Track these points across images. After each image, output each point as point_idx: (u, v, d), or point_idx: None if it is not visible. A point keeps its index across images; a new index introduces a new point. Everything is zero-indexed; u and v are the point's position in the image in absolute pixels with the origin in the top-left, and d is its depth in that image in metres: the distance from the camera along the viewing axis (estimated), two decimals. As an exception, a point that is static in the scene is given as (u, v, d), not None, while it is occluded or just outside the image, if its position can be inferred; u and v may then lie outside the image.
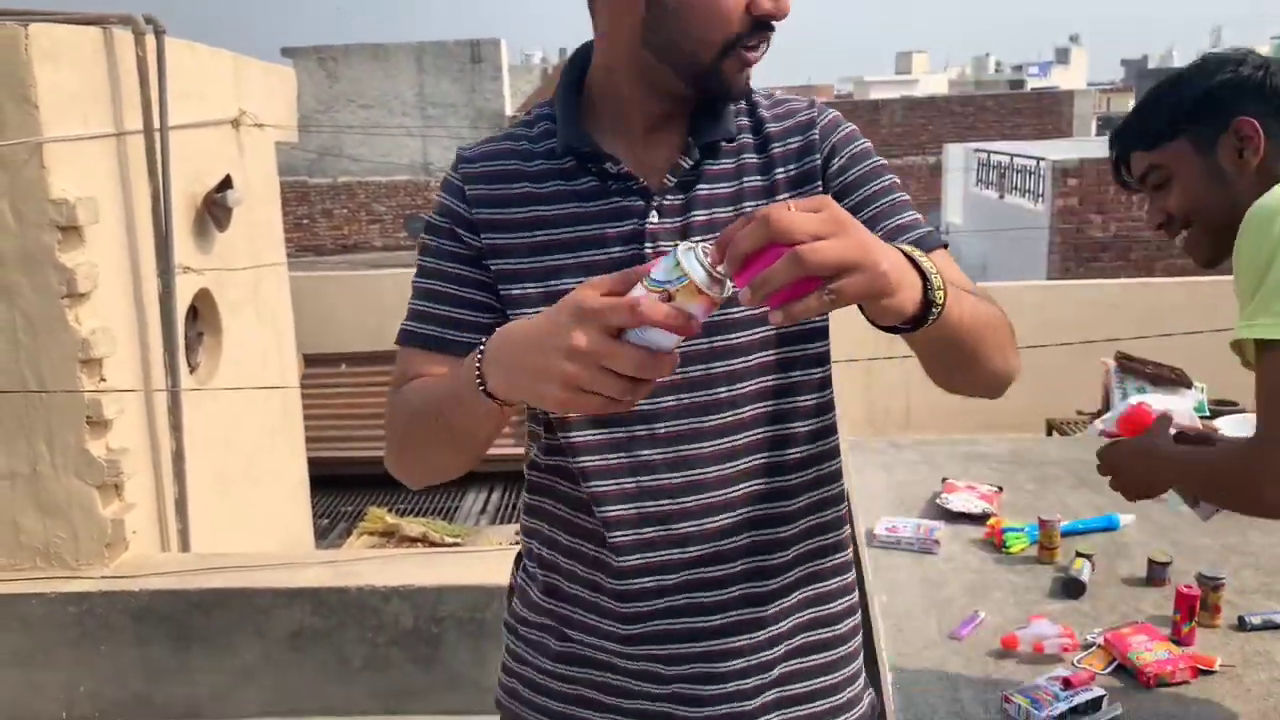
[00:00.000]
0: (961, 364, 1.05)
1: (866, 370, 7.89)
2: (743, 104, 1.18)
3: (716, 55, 1.08)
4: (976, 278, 1.22)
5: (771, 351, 1.14)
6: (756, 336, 1.13)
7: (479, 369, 0.96)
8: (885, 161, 1.20)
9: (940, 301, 0.92)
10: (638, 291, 0.85)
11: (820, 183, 1.16)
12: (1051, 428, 7.15)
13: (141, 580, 3.36)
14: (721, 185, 1.15)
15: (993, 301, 1.08)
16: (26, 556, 3.46)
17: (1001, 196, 12.97)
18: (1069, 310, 7.86)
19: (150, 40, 3.82)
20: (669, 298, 0.84)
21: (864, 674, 1.29)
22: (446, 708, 3.26)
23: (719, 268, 0.84)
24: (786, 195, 1.15)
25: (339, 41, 23.59)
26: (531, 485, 1.26)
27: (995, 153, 13.78)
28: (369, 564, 3.49)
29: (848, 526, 1.27)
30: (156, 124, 3.85)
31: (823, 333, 1.18)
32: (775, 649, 1.19)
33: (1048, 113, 21.12)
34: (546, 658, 1.25)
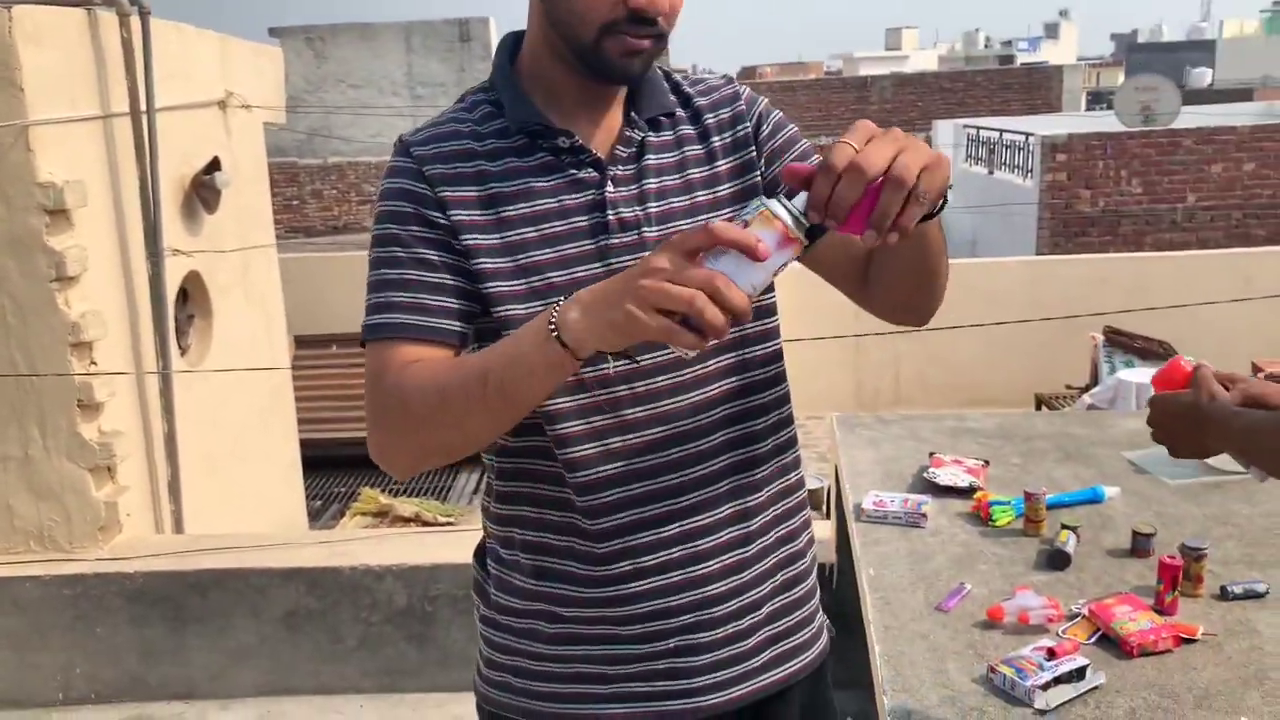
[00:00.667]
0: (933, 275, 1.19)
1: (855, 349, 7.92)
2: (666, 83, 1.27)
3: (595, 36, 1.13)
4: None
5: None
6: None
7: (552, 322, 0.99)
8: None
9: (952, 184, 1.03)
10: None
11: (753, 147, 1.26)
12: (1040, 402, 7.18)
13: (136, 562, 3.36)
14: (666, 155, 1.23)
15: None
16: (20, 540, 3.46)
17: (991, 172, 12.96)
18: (1057, 285, 7.87)
19: (135, 21, 3.79)
20: (745, 225, 0.93)
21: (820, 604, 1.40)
22: (440, 685, 3.28)
23: (800, 213, 0.93)
24: (725, 160, 1.25)
25: (326, 21, 23.42)
26: (502, 472, 1.27)
27: (985, 129, 13.77)
28: (363, 544, 3.50)
29: (801, 468, 1.35)
30: (143, 106, 3.83)
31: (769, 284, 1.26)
32: (762, 588, 1.26)
33: (1037, 88, 21.11)
34: (539, 642, 1.27)
